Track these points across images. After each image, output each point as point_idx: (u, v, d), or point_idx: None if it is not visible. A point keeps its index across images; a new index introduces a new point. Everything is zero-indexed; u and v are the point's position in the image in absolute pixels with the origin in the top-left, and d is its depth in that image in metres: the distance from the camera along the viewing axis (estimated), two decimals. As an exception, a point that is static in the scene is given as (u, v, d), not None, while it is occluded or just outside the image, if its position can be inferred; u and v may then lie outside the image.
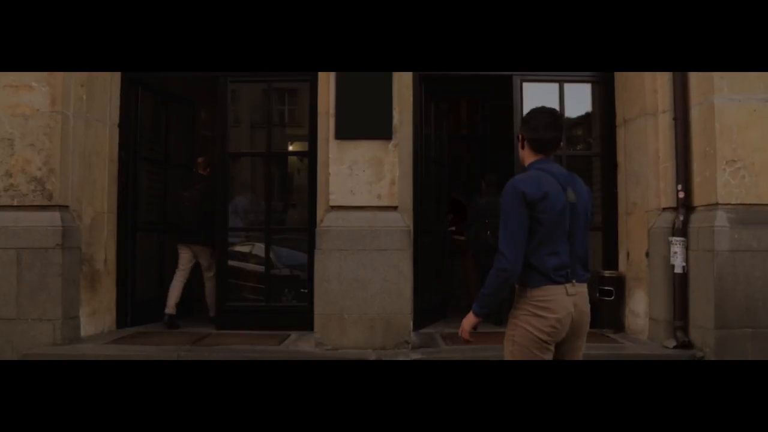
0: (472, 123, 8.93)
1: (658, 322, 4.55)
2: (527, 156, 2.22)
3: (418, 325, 4.93)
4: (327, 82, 4.75)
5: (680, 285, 4.33)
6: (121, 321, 5.17)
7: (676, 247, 4.33)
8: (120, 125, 5.19)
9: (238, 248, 5.86)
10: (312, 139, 5.04)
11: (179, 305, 5.38)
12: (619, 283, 5.04)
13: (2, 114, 4.47)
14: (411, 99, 4.89)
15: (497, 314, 5.00)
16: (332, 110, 4.68)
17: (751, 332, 4.01)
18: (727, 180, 4.11)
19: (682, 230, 4.33)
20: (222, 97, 5.24)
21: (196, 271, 5.62)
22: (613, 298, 4.99)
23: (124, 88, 5.21)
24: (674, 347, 4.27)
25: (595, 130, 5.61)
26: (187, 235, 5.42)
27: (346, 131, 4.64)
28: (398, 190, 4.65)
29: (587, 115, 5.83)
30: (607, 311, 5.01)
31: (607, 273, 5.10)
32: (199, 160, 5.73)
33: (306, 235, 5.22)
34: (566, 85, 5.22)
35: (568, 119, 5.56)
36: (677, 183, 4.42)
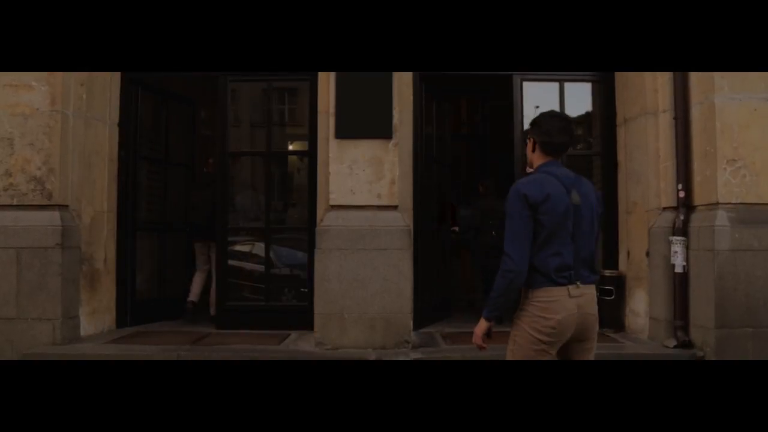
0: (472, 123, 8.92)
1: (658, 321, 4.55)
2: (537, 158, 2.24)
3: (418, 324, 4.92)
4: (327, 82, 4.74)
5: (681, 284, 4.32)
6: (121, 320, 5.16)
7: (677, 246, 4.33)
8: (120, 124, 5.18)
9: (238, 247, 5.87)
10: (312, 138, 5.04)
11: (181, 303, 5.44)
12: (620, 282, 5.04)
13: (2, 113, 4.46)
14: (411, 98, 4.89)
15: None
16: (332, 109, 4.67)
17: (751, 332, 4.01)
18: (728, 179, 4.10)
19: (682, 229, 4.33)
20: (222, 97, 5.23)
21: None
22: (613, 297, 4.98)
23: (124, 87, 5.20)
24: (674, 347, 4.27)
25: (596, 129, 5.61)
26: (205, 232, 5.50)
27: (346, 130, 4.64)
28: (398, 190, 4.64)
29: (587, 114, 5.83)
30: (608, 311, 5.00)
31: (607, 272, 5.09)
32: (210, 161, 5.87)
33: (306, 235, 5.21)
34: (566, 84, 5.21)
35: (569, 118, 5.55)
36: (678, 182, 4.42)
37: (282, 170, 7.79)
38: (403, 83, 4.78)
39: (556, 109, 5.16)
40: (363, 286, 4.48)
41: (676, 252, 4.33)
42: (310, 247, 4.96)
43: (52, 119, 4.47)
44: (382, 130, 4.64)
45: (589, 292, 2.14)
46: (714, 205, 4.15)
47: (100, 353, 4.26)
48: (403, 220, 4.64)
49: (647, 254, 4.70)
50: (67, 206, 4.58)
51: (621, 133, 5.18)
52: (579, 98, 5.52)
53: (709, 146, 4.20)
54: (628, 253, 5.04)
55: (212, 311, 5.47)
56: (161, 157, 5.78)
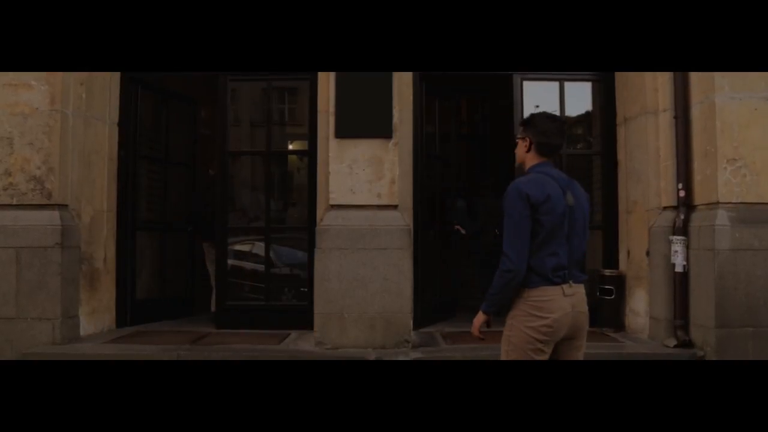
0: (472, 122, 8.92)
1: (658, 321, 4.55)
2: (531, 158, 2.26)
3: (418, 324, 4.93)
4: (327, 81, 4.74)
5: (681, 284, 4.32)
6: (121, 320, 5.16)
7: (677, 245, 4.33)
8: (119, 124, 5.18)
9: (238, 247, 5.86)
10: (312, 137, 5.04)
11: (181, 302, 5.41)
12: (620, 281, 5.04)
13: (1, 113, 4.46)
14: (411, 97, 4.88)
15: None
16: (332, 109, 4.67)
17: (752, 331, 4.01)
18: (728, 179, 4.10)
19: (682, 229, 4.33)
20: (222, 96, 5.22)
21: (197, 271, 5.65)
22: (613, 296, 4.98)
23: (124, 86, 5.20)
24: (675, 346, 4.27)
25: (596, 128, 5.60)
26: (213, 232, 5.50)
27: (346, 130, 4.64)
28: (398, 189, 4.64)
29: (587, 113, 5.82)
30: (608, 310, 5.01)
31: (607, 272, 5.09)
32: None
33: (306, 234, 5.21)
34: (567, 84, 5.21)
35: (569, 118, 5.55)
36: (678, 182, 4.42)
37: (282, 170, 7.78)
38: (403, 83, 4.78)
39: (557, 108, 5.19)
40: (363, 285, 4.47)
41: (676, 251, 4.33)
42: (310, 247, 4.96)
43: (51, 119, 4.47)
44: (382, 130, 4.64)
45: (581, 291, 2.18)
46: (714, 205, 4.14)
47: (100, 353, 4.26)
48: (403, 219, 4.64)
49: (647, 254, 4.70)
50: (66, 206, 4.58)
51: (621, 133, 5.18)
52: (579, 98, 5.52)
53: (710, 145, 4.19)
54: (629, 253, 5.04)
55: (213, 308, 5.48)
56: (161, 156, 5.78)
